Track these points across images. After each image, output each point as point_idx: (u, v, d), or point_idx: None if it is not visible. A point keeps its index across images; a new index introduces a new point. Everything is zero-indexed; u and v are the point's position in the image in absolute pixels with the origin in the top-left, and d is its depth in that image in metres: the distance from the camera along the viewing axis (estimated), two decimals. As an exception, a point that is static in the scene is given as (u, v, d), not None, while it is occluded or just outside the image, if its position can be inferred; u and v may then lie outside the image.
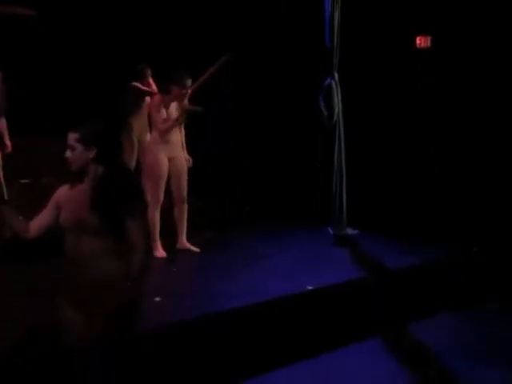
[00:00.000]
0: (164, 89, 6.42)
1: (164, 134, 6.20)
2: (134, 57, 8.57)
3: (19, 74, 7.22)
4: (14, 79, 7.11)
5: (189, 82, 6.22)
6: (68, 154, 3.29)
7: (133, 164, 7.95)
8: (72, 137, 3.28)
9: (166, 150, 6.22)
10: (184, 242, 6.44)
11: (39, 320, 4.30)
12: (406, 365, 4.99)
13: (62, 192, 3.39)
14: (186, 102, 6.30)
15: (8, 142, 7.12)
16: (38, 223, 3.39)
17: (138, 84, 8.02)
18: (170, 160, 6.25)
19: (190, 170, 6.44)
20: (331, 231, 7.07)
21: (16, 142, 7.16)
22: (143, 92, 7.94)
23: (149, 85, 8.05)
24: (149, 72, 8.06)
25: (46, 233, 3.41)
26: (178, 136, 6.34)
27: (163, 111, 6.19)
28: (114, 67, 9.10)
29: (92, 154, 3.27)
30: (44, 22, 9.09)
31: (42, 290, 4.59)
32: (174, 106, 6.27)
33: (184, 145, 6.42)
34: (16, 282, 5.20)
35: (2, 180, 6.94)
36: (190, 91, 6.26)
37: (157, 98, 6.39)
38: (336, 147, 7.04)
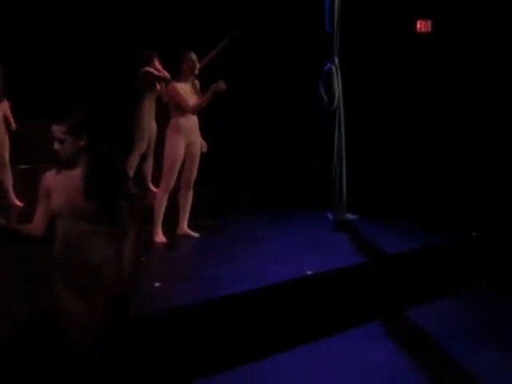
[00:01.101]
0: (175, 73, 6.40)
1: (195, 113, 6.19)
2: (136, 43, 8.54)
3: (19, 59, 7.20)
4: (15, 64, 7.10)
5: (193, 56, 6.21)
6: (57, 146, 3.26)
7: (143, 150, 7.86)
8: (58, 129, 3.24)
9: (184, 136, 6.21)
10: (185, 227, 6.44)
11: (38, 306, 4.31)
12: (405, 348, 5.02)
13: (50, 177, 3.36)
14: (196, 81, 6.30)
15: (11, 120, 7.15)
16: (41, 219, 3.37)
17: (150, 69, 7.86)
18: (186, 145, 6.25)
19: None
20: (331, 216, 7.07)
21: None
22: (155, 77, 7.80)
23: (157, 70, 7.96)
24: (155, 57, 7.98)
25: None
26: (195, 120, 6.34)
27: (183, 92, 6.17)
28: (116, 53, 9.07)
29: (83, 142, 3.26)
30: (43, 10, 9.05)
31: (39, 276, 4.63)
32: (189, 88, 6.25)
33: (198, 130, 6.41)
34: (13, 267, 5.21)
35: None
36: (198, 65, 6.25)
37: (172, 84, 6.33)
38: (336, 132, 7.03)
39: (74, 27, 9.22)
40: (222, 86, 6.06)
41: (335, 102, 7.02)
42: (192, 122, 6.28)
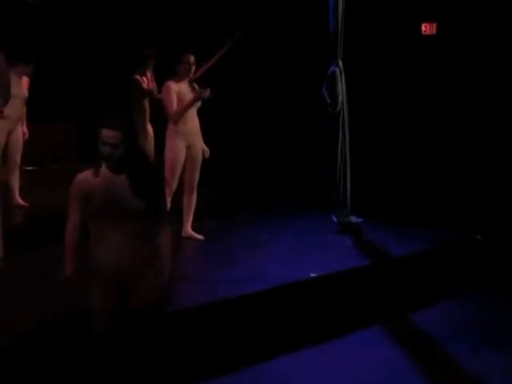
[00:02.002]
0: (171, 72, 6.39)
1: (177, 120, 6.16)
2: (137, 44, 8.56)
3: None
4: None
5: (192, 58, 6.22)
6: (109, 151, 3.27)
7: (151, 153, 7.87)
8: (115, 136, 3.25)
9: (183, 138, 6.20)
10: (189, 230, 6.44)
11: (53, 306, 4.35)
12: (408, 352, 5.00)
13: (87, 180, 3.35)
14: (194, 84, 6.31)
15: (25, 130, 7.19)
16: (78, 219, 3.37)
17: (139, 78, 7.94)
18: (187, 148, 6.25)
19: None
20: (335, 219, 7.07)
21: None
22: (140, 89, 7.89)
23: (147, 77, 8.00)
24: (151, 62, 8.01)
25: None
26: (196, 123, 6.33)
27: (174, 96, 6.16)
28: (118, 53, 9.09)
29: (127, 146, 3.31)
30: (49, 9, 9.07)
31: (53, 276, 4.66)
32: (186, 88, 6.26)
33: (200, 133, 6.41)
34: (28, 268, 5.24)
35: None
36: (194, 68, 6.25)
37: (167, 84, 6.32)
38: (340, 135, 7.02)
39: (75, 27, 9.24)
40: (206, 93, 6.07)
41: (339, 105, 7.01)
42: (191, 124, 6.26)
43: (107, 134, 3.26)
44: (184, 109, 6.15)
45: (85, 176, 3.37)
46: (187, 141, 6.23)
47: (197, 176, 6.37)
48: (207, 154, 6.40)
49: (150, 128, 7.95)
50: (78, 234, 3.39)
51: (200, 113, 6.37)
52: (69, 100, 9.08)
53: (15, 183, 7.13)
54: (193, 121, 6.29)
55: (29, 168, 8.26)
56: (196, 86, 6.34)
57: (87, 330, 3.47)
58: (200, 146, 6.35)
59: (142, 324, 3.35)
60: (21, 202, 7.14)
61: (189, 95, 6.22)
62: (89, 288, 3.39)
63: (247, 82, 8.97)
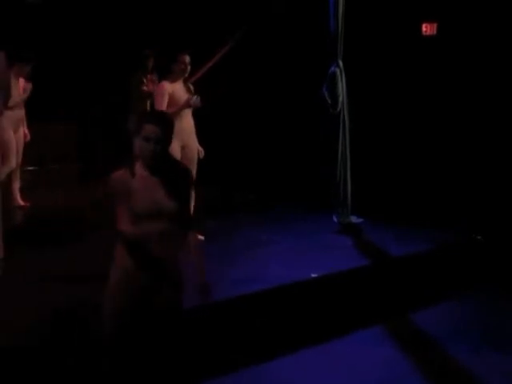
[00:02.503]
0: (166, 71, 6.39)
1: (184, 118, 6.17)
2: (140, 42, 8.56)
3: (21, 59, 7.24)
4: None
5: (187, 59, 6.21)
6: (155, 148, 3.25)
7: None
8: (159, 131, 3.24)
9: (178, 138, 6.16)
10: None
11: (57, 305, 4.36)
12: (408, 352, 5.00)
13: (126, 178, 3.30)
14: (189, 84, 6.32)
15: (26, 131, 7.20)
16: (126, 215, 3.32)
17: (139, 79, 7.95)
18: (182, 148, 6.24)
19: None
20: (335, 219, 7.07)
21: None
22: (141, 91, 7.92)
23: (148, 79, 8.02)
24: (150, 62, 8.02)
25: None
26: (191, 123, 6.32)
27: (165, 97, 6.14)
28: (117, 54, 9.09)
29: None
30: (51, 9, 9.07)
31: (57, 276, 4.68)
32: (181, 89, 6.25)
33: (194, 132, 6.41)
34: (28, 268, 5.24)
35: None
36: (189, 68, 6.25)
37: (162, 84, 6.30)
38: (340, 135, 7.02)
39: (75, 27, 9.24)
40: (196, 102, 6.09)
41: (339, 105, 7.01)
42: (186, 124, 6.25)
43: (151, 129, 3.23)
44: (173, 112, 6.05)
45: (121, 175, 3.32)
46: (182, 140, 6.19)
47: (193, 176, 6.35)
48: (202, 154, 6.39)
49: None
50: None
51: (200, 113, 6.37)
52: (69, 100, 9.08)
53: (16, 184, 7.14)
54: (187, 120, 6.28)
55: (29, 168, 8.26)
56: (191, 87, 6.33)
57: (92, 330, 3.45)
58: (195, 146, 6.33)
59: (155, 325, 3.35)
60: (21, 202, 7.15)
61: (183, 95, 6.21)
62: (112, 287, 3.35)
63: (248, 82, 8.97)
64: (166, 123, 3.33)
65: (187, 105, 6.13)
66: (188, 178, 3.44)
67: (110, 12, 9.34)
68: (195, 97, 6.10)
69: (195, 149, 6.33)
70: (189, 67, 6.26)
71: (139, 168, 3.31)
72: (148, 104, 7.99)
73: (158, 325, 3.37)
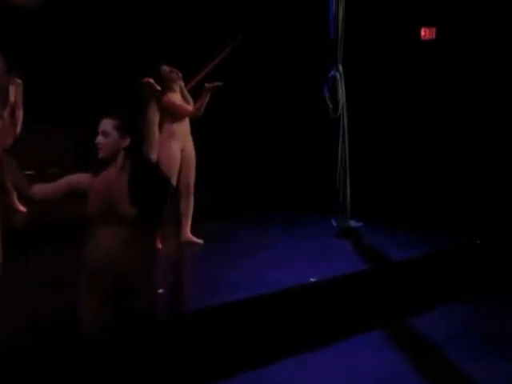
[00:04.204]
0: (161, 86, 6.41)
1: (174, 120, 6.17)
2: (138, 46, 8.57)
3: (23, 63, 7.24)
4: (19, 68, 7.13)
5: (165, 69, 6.22)
6: (100, 139, 3.25)
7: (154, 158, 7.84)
8: (108, 123, 3.25)
9: (178, 140, 6.22)
10: (188, 234, 6.43)
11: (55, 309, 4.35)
12: (407, 356, 5.00)
13: (84, 179, 3.33)
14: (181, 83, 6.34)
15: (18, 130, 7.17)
16: (44, 188, 3.35)
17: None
18: (181, 150, 6.26)
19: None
20: (335, 223, 7.07)
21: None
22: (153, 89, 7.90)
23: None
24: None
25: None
26: (188, 126, 6.36)
27: (178, 100, 6.22)
28: (121, 59, 9.09)
29: (125, 143, 3.27)
30: (50, 13, 9.07)
31: (56, 279, 4.67)
32: (179, 95, 6.29)
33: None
34: (27, 271, 5.24)
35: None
36: (173, 72, 6.25)
37: (167, 97, 6.18)
38: (340, 139, 7.03)
39: (78, 28, 9.24)
40: (215, 84, 6.08)
41: (339, 110, 7.02)
42: (185, 128, 6.31)
43: (104, 121, 3.26)
44: (202, 102, 6.16)
45: (84, 175, 3.35)
46: (181, 143, 6.25)
47: (193, 179, 6.37)
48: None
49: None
50: (35, 196, 3.35)
51: (200, 116, 6.38)
52: (69, 104, 9.07)
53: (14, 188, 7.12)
54: (186, 123, 6.33)
55: (28, 172, 8.25)
56: (187, 95, 6.36)
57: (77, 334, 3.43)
58: (192, 148, 6.37)
59: (138, 327, 3.32)
60: (19, 207, 7.12)
61: (182, 100, 6.28)
62: (82, 291, 3.34)
63: (248, 87, 8.98)
64: (122, 117, 3.30)
65: (208, 91, 6.10)
66: (160, 182, 3.37)
67: (110, 12, 9.34)
68: (215, 83, 6.12)
69: (192, 151, 6.37)
70: (173, 73, 6.25)
71: (106, 171, 3.29)
72: (157, 112, 7.93)
73: (132, 325, 3.31)
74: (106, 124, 3.25)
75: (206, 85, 6.18)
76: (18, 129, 7.20)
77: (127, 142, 3.27)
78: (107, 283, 3.27)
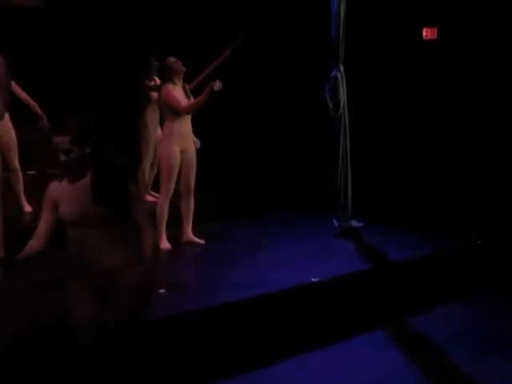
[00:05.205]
0: (163, 77, 6.39)
1: (173, 120, 6.16)
2: (137, 46, 8.57)
3: (23, 63, 7.25)
4: (18, 68, 7.14)
5: (171, 61, 6.22)
6: (63, 157, 3.25)
7: (150, 157, 7.81)
8: (62, 140, 3.23)
9: (178, 142, 6.20)
10: (189, 234, 6.44)
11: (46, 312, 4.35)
12: (408, 356, 5.01)
13: (57, 188, 3.34)
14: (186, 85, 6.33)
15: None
16: (44, 230, 3.34)
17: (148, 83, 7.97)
18: (181, 152, 6.25)
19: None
20: (336, 223, 7.07)
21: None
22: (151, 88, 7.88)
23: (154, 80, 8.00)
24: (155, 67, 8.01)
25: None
26: (190, 126, 6.32)
27: (177, 94, 6.18)
28: (117, 57, 9.09)
29: (88, 149, 3.25)
30: (50, 13, 9.09)
31: (45, 282, 4.66)
32: (181, 91, 6.26)
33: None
34: (31, 270, 5.24)
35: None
36: (178, 65, 6.24)
37: (166, 88, 6.25)
38: (341, 139, 7.03)
39: (78, 28, 9.26)
40: (217, 84, 6.05)
41: (340, 110, 7.02)
42: (186, 127, 6.26)
43: (58, 140, 3.25)
44: (198, 102, 6.13)
45: (56, 184, 3.35)
46: (182, 143, 6.22)
47: (193, 180, 6.36)
48: (198, 144, 6.40)
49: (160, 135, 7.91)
50: (42, 240, 3.35)
51: (200, 115, 6.38)
52: (69, 104, 9.08)
53: (19, 187, 7.12)
54: (187, 123, 6.29)
55: (30, 172, 8.26)
56: (188, 90, 6.33)
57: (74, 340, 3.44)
58: (193, 149, 6.35)
59: (130, 327, 3.32)
60: (26, 207, 7.12)
61: (184, 97, 6.23)
62: (70, 296, 3.35)
63: (249, 86, 8.98)
64: (74, 130, 3.26)
65: (209, 91, 6.07)
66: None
67: (110, 12, 9.36)
68: (217, 81, 6.07)
69: (193, 152, 6.34)
70: (177, 65, 6.24)
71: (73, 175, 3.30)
72: (156, 113, 7.92)
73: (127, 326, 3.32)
74: (62, 142, 3.23)
75: (209, 85, 6.11)
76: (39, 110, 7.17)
77: (89, 148, 3.25)
78: (92, 284, 3.27)
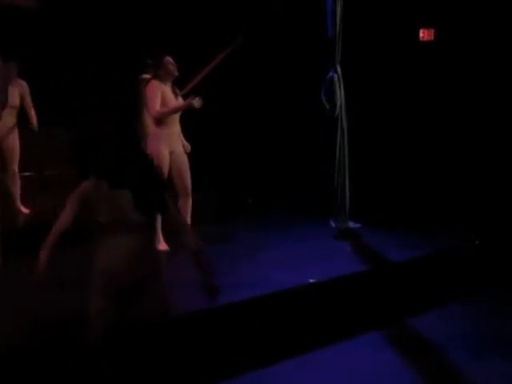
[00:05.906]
0: (155, 71, 6.36)
1: (158, 119, 6.12)
2: (138, 44, 8.57)
3: (22, 64, 7.25)
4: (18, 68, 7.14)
5: (168, 60, 6.20)
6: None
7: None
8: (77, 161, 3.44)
9: (166, 143, 6.18)
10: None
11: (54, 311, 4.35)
12: (407, 356, 5.00)
13: (90, 189, 3.37)
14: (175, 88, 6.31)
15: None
16: (71, 213, 3.38)
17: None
18: (170, 153, 6.23)
19: (192, 162, 6.42)
20: (333, 224, 7.07)
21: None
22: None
23: None
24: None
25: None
26: (178, 128, 6.31)
27: (158, 94, 6.11)
28: (116, 57, 9.09)
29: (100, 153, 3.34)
30: (47, 14, 9.08)
31: (56, 279, 4.65)
32: (169, 90, 6.23)
33: (181, 135, 6.40)
34: (31, 270, 5.23)
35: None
36: (174, 67, 6.22)
37: (152, 83, 6.23)
38: (338, 140, 7.03)
39: (78, 28, 9.25)
40: (196, 103, 6.02)
41: (337, 110, 7.03)
42: (174, 129, 6.25)
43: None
44: (169, 111, 6.09)
45: (89, 185, 3.38)
46: (170, 145, 6.20)
47: (189, 180, 6.34)
48: (188, 148, 6.39)
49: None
50: (70, 219, 3.40)
51: (199, 115, 6.37)
52: (69, 104, 9.07)
53: (15, 189, 7.12)
54: (175, 125, 6.27)
55: (28, 174, 8.24)
56: (178, 90, 6.32)
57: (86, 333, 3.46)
58: (182, 151, 6.33)
59: (143, 328, 3.35)
60: (22, 209, 7.12)
61: (171, 98, 6.20)
62: (93, 292, 3.38)
63: (246, 87, 8.98)
64: (74, 150, 3.39)
65: (188, 105, 6.08)
66: (157, 185, 3.39)
67: (110, 12, 9.35)
68: (197, 98, 6.07)
69: (182, 153, 6.33)
70: (174, 67, 6.22)
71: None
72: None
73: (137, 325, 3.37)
74: (79, 161, 3.44)
75: (188, 100, 6.05)
76: (35, 125, 7.21)
77: (102, 150, 3.31)
78: (119, 286, 3.33)
